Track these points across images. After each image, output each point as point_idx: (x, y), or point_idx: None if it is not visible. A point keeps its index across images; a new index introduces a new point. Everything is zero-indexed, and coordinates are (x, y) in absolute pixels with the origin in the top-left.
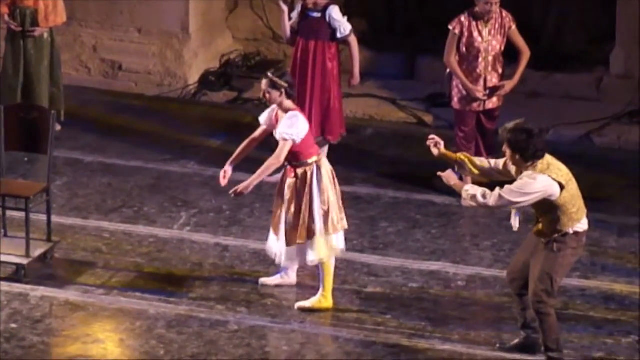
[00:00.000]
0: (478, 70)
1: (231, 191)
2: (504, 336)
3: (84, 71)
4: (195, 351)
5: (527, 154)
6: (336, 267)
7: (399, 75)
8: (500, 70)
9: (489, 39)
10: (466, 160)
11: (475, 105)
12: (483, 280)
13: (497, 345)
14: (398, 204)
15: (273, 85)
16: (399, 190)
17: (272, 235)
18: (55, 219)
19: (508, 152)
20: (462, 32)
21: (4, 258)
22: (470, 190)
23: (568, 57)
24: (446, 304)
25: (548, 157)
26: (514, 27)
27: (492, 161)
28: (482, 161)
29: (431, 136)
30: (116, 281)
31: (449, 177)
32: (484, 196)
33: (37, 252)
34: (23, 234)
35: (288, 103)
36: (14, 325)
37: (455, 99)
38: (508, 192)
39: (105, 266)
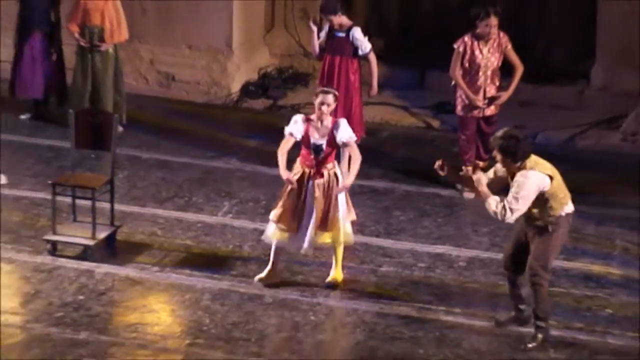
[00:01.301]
0: (478, 83)
1: (338, 189)
2: (498, 309)
3: (142, 81)
4: (235, 320)
5: (517, 157)
6: (355, 249)
7: (411, 86)
8: (497, 83)
9: (488, 56)
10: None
11: (475, 112)
12: (481, 262)
13: (494, 320)
14: (409, 196)
15: (335, 98)
16: (410, 185)
17: (277, 228)
18: (117, 206)
19: (499, 157)
20: (465, 50)
21: (73, 240)
22: (492, 205)
23: (555, 72)
24: (449, 281)
25: (534, 157)
26: (509, 46)
27: (490, 175)
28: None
29: (438, 162)
30: (168, 260)
31: (480, 181)
32: (501, 215)
33: (101, 235)
34: (90, 220)
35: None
36: (81, 297)
37: (459, 107)
38: (514, 202)
39: (159, 247)
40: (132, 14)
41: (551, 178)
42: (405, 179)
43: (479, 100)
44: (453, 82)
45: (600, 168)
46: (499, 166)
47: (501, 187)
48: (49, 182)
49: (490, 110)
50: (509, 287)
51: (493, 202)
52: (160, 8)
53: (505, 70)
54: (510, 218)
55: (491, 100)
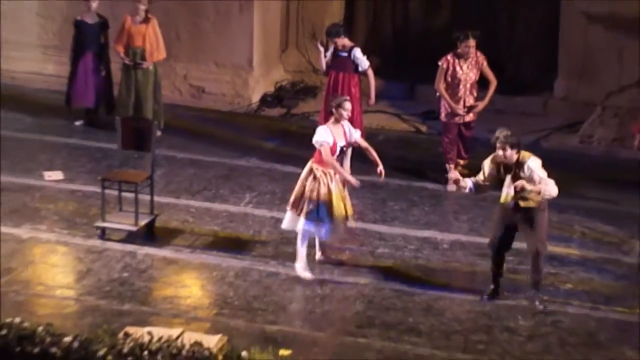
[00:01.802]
0: (459, 94)
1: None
2: (475, 284)
3: (177, 93)
4: (255, 293)
5: (519, 147)
6: (356, 234)
7: (403, 97)
8: (475, 94)
9: (467, 72)
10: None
11: (457, 119)
12: (461, 244)
13: (482, 297)
14: (401, 189)
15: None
16: (402, 180)
17: (307, 220)
18: (156, 198)
19: (509, 150)
20: (448, 67)
21: (119, 226)
22: (550, 188)
23: (523, 85)
24: (435, 261)
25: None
26: (485, 63)
27: (480, 177)
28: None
29: (454, 178)
30: (199, 243)
31: (523, 186)
32: (550, 192)
33: (142, 222)
34: (133, 209)
35: None
36: (126, 274)
37: (443, 114)
38: (547, 180)
39: (191, 232)
40: (168, 37)
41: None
42: (398, 174)
43: (460, 109)
44: (438, 94)
45: (562, 166)
46: (485, 165)
47: (495, 183)
48: (99, 177)
49: (469, 117)
50: (492, 265)
51: (550, 183)
52: (191, 32)
53: (482, 83)
54: (554, 190)
55: (470, 109)
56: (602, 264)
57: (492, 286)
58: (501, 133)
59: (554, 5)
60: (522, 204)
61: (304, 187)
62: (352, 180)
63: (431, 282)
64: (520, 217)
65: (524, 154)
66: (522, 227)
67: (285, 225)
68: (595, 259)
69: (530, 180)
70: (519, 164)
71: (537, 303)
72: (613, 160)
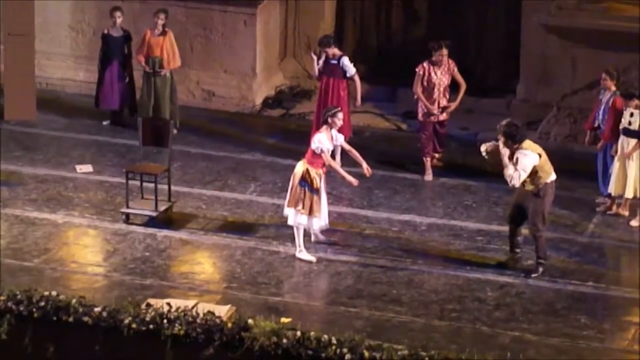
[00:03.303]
0: (434, 97)
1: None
2: (450, 260)
3: (190, 96)
4: (259, 270)
5: (515, 139)
6: (346, 217)
7: (386, 99)
8: (447, 96)
9: (440, 77)
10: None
11: (432, 118)
12: (437, 226)
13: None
14: (385, 179)
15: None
16: (385, 171)
17: (308, 216)
18: (173, 187)
19: (503, 139)
20: (424, 73)
21: (141, 212)
22: (510, 170)
23: (489, 88)
24: (414, 241)
25: (528, 141)
26: (456, 69)
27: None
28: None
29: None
30: (210, 226)
31: (503, 153)
32: (510, 178)
33: (161, 208)
34: (153, 197)
35: None
36: (147, 254)
37: (420, 114)
38: (520, 168)
39: (204, 217)
40: (183, 48)
41: (540, 155)
42: (382, 166)
43: (435, 110)
44: (415, 97)
45: None
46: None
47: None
48: (124, 170)
49: (443, 117)
50: (509, 236)
51: (511, 168)
52: (203, 44)
53: (453, 87)
54: (516, 182)
55: (443, 109)
56: (558, 242)
57: (510, 255)
58: (501, 123)
59: (517, 18)
60: (525, 187)
61: (298, 186)
62: (351, 179)
63: (412, 259)
64: (527, 198)
65: (526, 144)
66: (526, 208)
67: (290, 221)
68: (553, 239)
69: (515, 164)
70: (515, 152)
71: (532, 275)
72: (568, 154)
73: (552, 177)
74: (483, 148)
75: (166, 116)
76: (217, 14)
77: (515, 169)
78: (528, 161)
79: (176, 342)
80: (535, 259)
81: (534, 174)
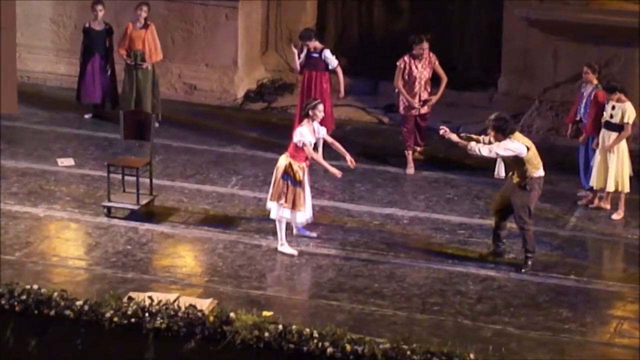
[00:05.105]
0: (415, 90)
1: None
2: (431, 254)
3: (172, 90)
4: (241, 263)
5: (505, 132)
6: (327, 211)
7: (367, 92)
8: (429, 90)
9: (421, 70)
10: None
11: (413, 111)
12: (419, 220)
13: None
14: (367, 172)
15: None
16: (367, 164)
17: (291, 210)
18: (154, 181)
19: (492, 133)
20: (405, 67)
21: (123, 205)
22: (474, 146)
23: (471, 81)
24: (396, 234)
25: (518, 134)
26: (437, 62)
27: (483, 138)
28: (478, 139)
29: (442, 128)
30: (192, 219)
31: (451, 135)
32: (479, 150)
33: (143, 201)
34: (134, 190)
35: None
36: (129, 247)
37: (401, 107)
38: (496, 147)
39: (185, 210)
40: (165, 42)
41: (528, 148)
42: (364, 160)
43: (416, 103)
44: (397, 90)
45: None
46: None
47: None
48: (105, 163)
49: (424, 110)
50: (494, 229)
51: (473, 143)
52: (184, 37)
53: (434, 80)
54: (483, 151)
55: (425, 103)
56: (540, 236)
57: (493, 248)
58: (490, 117)
59: (499, 11)
60: (513, 179)
61: (281, 179)
62: (335, 171)
63: (393, 252)
64: (514, 192)
65: (516, 136)
66: (512, 201)
67: (272, 215)
68: (535, 232)
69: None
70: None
71: (522, 270)
72: (549, 147)
73: (540, 172)
74: (442, 132)
75: (148, 109)
76: (199, 7)
77: (490, 145)
78: (511, 145)
79: (158, 335)
80: (523, 252)
81: (521, 165)
